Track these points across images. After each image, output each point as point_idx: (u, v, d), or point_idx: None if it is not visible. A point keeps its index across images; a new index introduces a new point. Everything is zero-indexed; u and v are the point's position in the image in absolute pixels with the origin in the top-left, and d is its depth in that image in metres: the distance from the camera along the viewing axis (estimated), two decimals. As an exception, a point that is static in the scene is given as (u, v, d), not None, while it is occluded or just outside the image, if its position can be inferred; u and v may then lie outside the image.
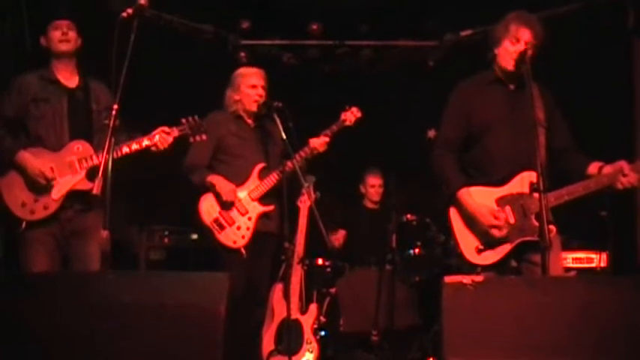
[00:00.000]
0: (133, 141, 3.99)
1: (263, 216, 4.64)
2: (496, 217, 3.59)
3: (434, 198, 4.03)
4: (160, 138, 4.02)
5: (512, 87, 3.78)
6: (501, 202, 3.65)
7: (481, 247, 3.63)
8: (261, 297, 4.81)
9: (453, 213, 3.75)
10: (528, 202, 3.57)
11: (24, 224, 3.91)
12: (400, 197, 5.75)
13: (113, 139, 3.31)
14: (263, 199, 4.64)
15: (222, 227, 4.56)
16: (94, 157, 3.96)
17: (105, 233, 3.24)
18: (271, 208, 4.65)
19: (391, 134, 7.06)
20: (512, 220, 3.61)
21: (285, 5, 6.92)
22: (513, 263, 3.69)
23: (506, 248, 3.61)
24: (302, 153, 4.69)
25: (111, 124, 3.32)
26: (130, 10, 3.47)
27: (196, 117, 4.15)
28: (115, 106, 3.34)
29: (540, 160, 3.37)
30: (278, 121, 4.37)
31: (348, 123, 4.92)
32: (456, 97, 3.89)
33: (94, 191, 3.44)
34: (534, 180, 3.39)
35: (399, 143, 6.83)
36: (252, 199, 4.62)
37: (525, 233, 3.56)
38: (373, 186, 6.56)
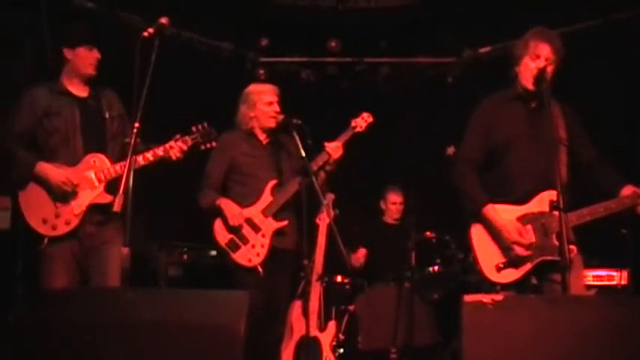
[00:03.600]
0: (147, 153, 4.00)
1: (278, 232, 4.63)
2: (521, 235, 3.58)
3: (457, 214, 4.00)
4: (173, 147, 4.05)
5: (533, 105, 3.77)
6: (522, 220, 3.64)
7: (501, 265, 3.61)
8: (279, 314, 4.80)
9: (475, 230, 3.74)
10: (549, 221, 3.55)
11: (46, 240, 3.91)
12: (419, 214, 5.73)
13: (134, 157, 3.34)
14: (277, 215, 4.64)
15: (237, 247, 4.55)
16: (111, 169, 3.98)
17: (125, 250, 3.26)
18: (285, 223, 4.64)
19: (410, 151, 7.06)
20: (533, 239, 3.59)
21: (303, 22, 6.96)
22: (534, 281, 3.66)
23: (526, 267, 3.59)
24: (319, 161, 4.66)
25: (132, 142, 3.34)
26: (151, 30, 3.50)
27: (206, 124, 4.17)
28: (137, 124, 3.36)
29: (561, 178, 3.37)
30: (297, 138, 4.37)
31: (359, 129, 4.86)
32: (477, 114, 3.90)
33: (115, 208, 3.46)
34: (555, 199, 3.34)
35: (418, 160, 6.82)
36: (266, 216, 4.62)
37: (546, 252, 3.55)
38: (394, 203, 6.53)
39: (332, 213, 4.80)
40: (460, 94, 6.62)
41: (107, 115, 4.14)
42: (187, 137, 4.11)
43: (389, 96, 7.30)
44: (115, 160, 4.05)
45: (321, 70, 7.33)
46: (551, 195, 3.49)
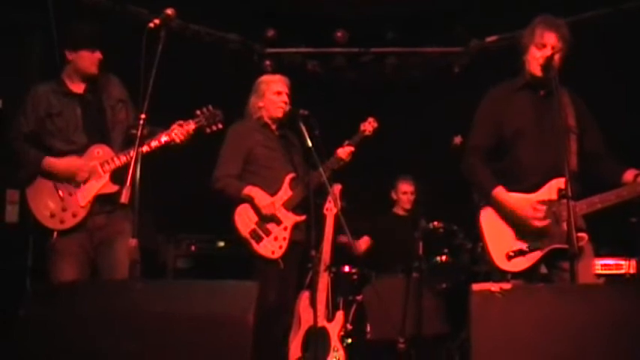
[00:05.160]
0: (151, 139, 3.98)
1: (296, 226, 4.67)
2: (535, 210, 3.56)
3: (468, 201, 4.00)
4: (177, 131, 4.03)
5: (542, 93, 3.75)
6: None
7: (512, 253, 3.58)
8: (288, 305, 4.82)
9: (484, 214, 3.72)
10: (559, 209, 3.52)
11: (55, 234, 3.92)
12: (427, 204, 5.73)
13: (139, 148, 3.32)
14: (296, 209, 4.67)
15: (260, 238, 4.56)
16: (115, 158, 3.97)
17: (134, 242, 3.26)
18: (304, 217, 4.67)
19: (417, 141, 7.05)
20: (547, 218, 3.57)
21: (310, 13, 6.94)
22: (543, 270, 3.66)
23: (537, 255, 3.58)
24: (329, 164, 4.72)
25: (139, 134, 3.34)
26: (157, 21, 3.49)
27: (210, 106, 4.16)
28: (143, 116, 3.36)
29: (571, 166, 3.39)
30: (304, 129, 4.37)
31: (367, 133, 5.01)
32: (485, 103, 3.89)
33: (122, 200, 3.47)
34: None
35: (425, 150, 6.81)
36: (287, 210, 4.64)
37: (556, 240, 3.53)
38: (405, 193, 6.52)
39: (339, 204, 4.80)
40: (467, 84, 6.61)
41: (106, 105, 4.13)
42: (191, 121, 4.10)
43: (396, 86, 7.28)
44: (119, 147, 4.06)
45: (327, 60, 7.31)
46: (560, 183, 3.44)
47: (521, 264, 3.59)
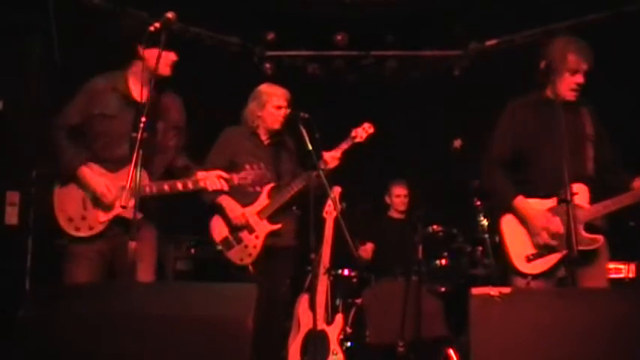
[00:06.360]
0: (188, 180, 3.87)
1: (273, 234, 4.70)
2: (549, 222, 3.70)
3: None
4: (215, 182, 3.94)
5: (562, 105, 3.83)
6: (551, 212, 3.75)
7: (531, 256, 3.73)
8: (282, 305, 4.84)
9: (505, 221, 3.88)
10: (576, 213, 3.58)
11: (66, 240, 3.81)
12: (426, 208, 5.74)
13: (141, 152, 3.31)
14: (272, 218, 4.70)
15: (231, 246, 4.66)
16: (148, 187, 3.79)
17: (132, 244, 3.25)
18: (279, 226, 4.70)
19: (416, 144, 7.06)
20: (560, 229, 3.66)
21: (310, 16, 6.95)
22: (561, 274, 3.72)
23: (554, 258, 3.69)
24: (317, 172, 4.67)
25: (139, 137, 3.33)
26: (157, 24, 3.50)
27: (262, 165, 4.06)
28: (143, 119, 3.35)
29: (588, 172, 3.70)
30: (304, 132, 4.38)
31: (358, 139, 4.89)
32: (506, 115, 3.99)
33: (122, 203, 3.48)
34: (583, 193, 3.67)
35: (425, 153, 6.82)
36: (261, 219, 4.69)
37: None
38: (399, 196, 6.55)
39: (339, 206, 4.81)
40: (467, 87, 6.62)
41: (160, 127, 3.95)
42: (235, 176, 4.00)
43: (395, 89, 7.29)
44: (157, 175, 3.92)
45: (327, 63, 7.32)
46: (578, 188, 3.61)
47: (539, 266, 3.73)
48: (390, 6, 6.73)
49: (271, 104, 4.76)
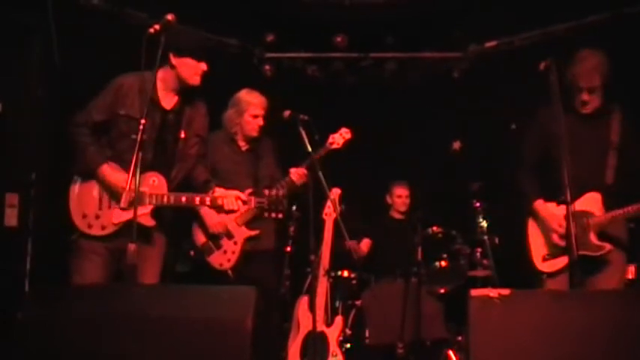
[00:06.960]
0: (207, 196, 3.86)
1: (252, 238, 4.75)
2: (560, 225, 3.96)
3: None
4: (232, 202, 3.89)
5: (588, 111, 4.08)
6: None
7: (546, 256, 4.08)
8: (271, 304, 4.85)
9: (530, 224, 4.22)
10: (589, 220, 3.96)
11: (77, 235, 3.80)
12: (426, 209, 5.74)
13: (141, 154, 3.33)
14: (250, 223, 4.74)
15: (211, 251, 4.75)
16: (165, 197, 3.78)
17: (132, 246, 3.25)
18: (257, 232, 4.75)
19: (416, 146, 7.05)
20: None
21: (309, 18, 6.94)
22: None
23: (565, 259, 3.81)
24: (283, 183, 4.69)
25: (139, 139, 3.34)
26: (157, 26, 3.51)
27: (280, 191, 3.98)
28: (143, 121, 3.37)
29: (607, 180, 3.97)
30: (304, 134, 4.38)
31: (335, 146, 4.85)
32: (536, 122, 4.25)
33: (122, 205, 3.49)
34: (596, 201, 3.96)
35: (424, 155, 6.82)
36: (239, 225, 4.74)
37: (582, 247, 3.75)
38: (400, 196, 6.57)
39: (338, 208, 4.81)
40: (466, 90, 6.61)
41: (183, 135, 3.95)
42: (253, 199, 3.95)
43: (395, 91, 7.28)
44: (175, 184, 3.91)
45: (327, 65, 7.31)
46: (594, 196, 3.98)
47: (552, 266, 4.05)
48: (390, 8, 6.72)
49: (249, 113, 4.82)
